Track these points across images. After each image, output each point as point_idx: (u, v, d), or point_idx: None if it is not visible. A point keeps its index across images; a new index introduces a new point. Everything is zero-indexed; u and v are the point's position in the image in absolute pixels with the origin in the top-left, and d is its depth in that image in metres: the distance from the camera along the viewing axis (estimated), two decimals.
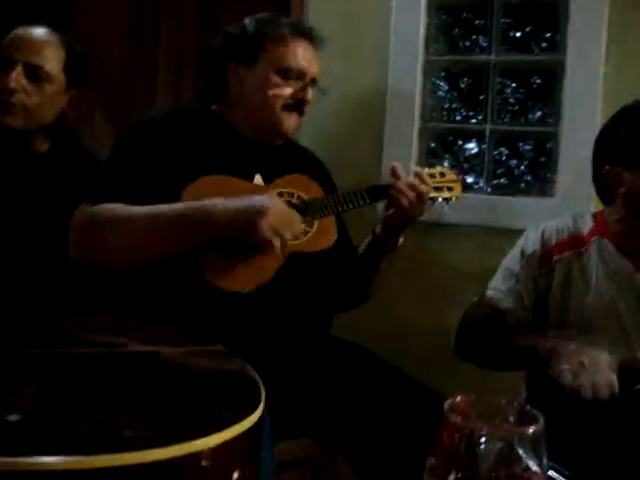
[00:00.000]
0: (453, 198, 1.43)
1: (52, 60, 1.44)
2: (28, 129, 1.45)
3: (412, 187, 1.31)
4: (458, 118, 2.03)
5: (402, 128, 1.92)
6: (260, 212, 1.17)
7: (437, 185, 1.40)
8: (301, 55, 1.36)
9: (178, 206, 1.21)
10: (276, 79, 1.34)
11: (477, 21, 1.96)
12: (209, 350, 0.87)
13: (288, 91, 1.35)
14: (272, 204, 1.20)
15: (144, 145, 1.29)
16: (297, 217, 1.25)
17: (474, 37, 1.97)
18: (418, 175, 1.34)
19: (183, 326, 1.20)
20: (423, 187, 1.32)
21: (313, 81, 1.39)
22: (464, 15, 1.98)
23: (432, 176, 1.40)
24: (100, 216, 1.20)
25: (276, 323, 1.27)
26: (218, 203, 1.19)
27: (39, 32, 1.45)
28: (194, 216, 1.19)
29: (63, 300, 1.35)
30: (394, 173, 1.34)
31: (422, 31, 1.94)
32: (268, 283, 1.26)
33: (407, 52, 1.93)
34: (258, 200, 1.20)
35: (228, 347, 1.18)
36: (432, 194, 1.38)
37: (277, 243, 1.18)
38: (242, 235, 1.19)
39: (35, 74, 1.42)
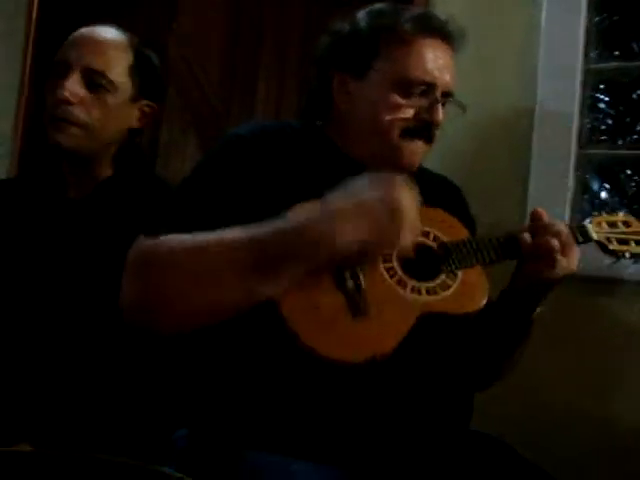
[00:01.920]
0: None
1: (116, 65, 1.19)
2: (87, 150, 1.20)
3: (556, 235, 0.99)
4: (624, 142, 1.60)
5: (554, 156, 1.50)
6: (399, 211, 0.87)
7: (621, 237, 1.08)
8: (429, 61, 1.03)
9: (273, 225, 0.88)
10: (395, 97, 1.02)
11: None
12: None
13: (410, 112, 1.03)
14: (403, 192, 0.89)
15: (228, 165, 1.00)
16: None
17: None
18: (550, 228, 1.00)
19: (268, 406, 0.90)
20: (555, 242, 0.98)
21: (446, 95, 1.05)
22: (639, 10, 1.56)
23: (613, 225, 1.09)
24: (163, 248, 0.89)
25: (401, 408, 0.95)
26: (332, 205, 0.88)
27: (102, 32, 1.22)
28: (302, 232, 0.87)
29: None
30: (535, 218, 1.02)
31: (582, 33, 1.52)
32: (392, 351, 0.91)
33: (561, 59, 1.52)
34: (384, 195, 0.88)
35: (333, 439, 0.90)
36: (615, 246, 1.07)
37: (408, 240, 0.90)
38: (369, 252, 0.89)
39: (95, 82, 1.18)
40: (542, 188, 1.50)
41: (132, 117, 1.24)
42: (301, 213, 0.88)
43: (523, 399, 1.44)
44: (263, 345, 0.92)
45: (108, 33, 1.22)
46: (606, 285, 1.44)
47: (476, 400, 1.13)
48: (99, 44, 1.20)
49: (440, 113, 1.04)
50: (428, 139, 1.05)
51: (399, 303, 0.93)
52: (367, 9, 1.09)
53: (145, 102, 1.25)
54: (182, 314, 0.89)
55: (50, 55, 1.71)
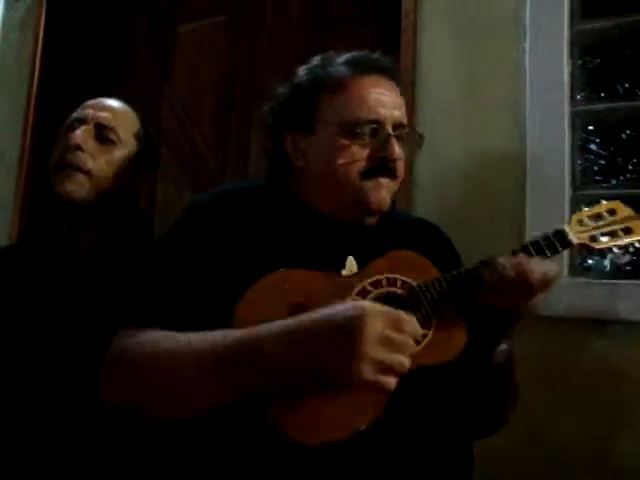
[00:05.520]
0: (635, 243, 0.99)
1: (125, 126, 1.29)
2: (89, 201, 1.25)
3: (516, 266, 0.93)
4: (617, 182, 1.59)
5: (549, 200, 1.49)
6: (357, 338, 0.76)
7: (607, 230, 0.99)
8: (370, 99, 1.01)
9: (230, 342, 0.85)
10: (345, 142, 1.01)
11: None
12: None
13: (364, 153, 1.01)
14: (371, 317, 0.78)
15: (193, 236, 0.99)
16: (412, 324, 0.82)
17: (637, 78, 1.55)
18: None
19: None
20: (527, 267, 0.92)
21: (398, 127, 1.03)
22: (621, 52, 1.57)
23: (597, 217, 1.00)
24: (132, 352, 0.90)
25: (396, 473, 0.90)
26: (290, 326, 0.82)
27: (115, 101, 1.35)
28: (248, 357, 0.82)
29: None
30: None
31: (566, 76, 1.53)
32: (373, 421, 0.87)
33: (548, 102, 1.52)
34: (348, 316, 0.79)
35: None
36: (601, 244, 0.98)
37: (390, 384, 0.78)
38: (328, 374, 0.79)
39: (105, 136, 1.26)
40: (539, 231, 1.48)
41: (132, 177, 1.30)
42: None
43: (527, 440, 1.38)
44: (241, 430, 0.89)
45: (119, 102, 1.34)
46: (594, 325, 1.38)
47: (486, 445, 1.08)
48: (112, 108, 1.31)
49: (395, 147, 1.01)
50: (391, 175, 1.03)
51: None
52: (305, 65, 1.09)
53: (142, 168, 1.32)
54: (158, 413, 0.90)
55: (51, 125, 1.77)
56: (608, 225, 1.00)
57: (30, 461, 1.12)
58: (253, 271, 0.92)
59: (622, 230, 0.99)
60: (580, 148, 1.57)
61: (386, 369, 0.77)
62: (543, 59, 1.54)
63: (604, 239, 0.98)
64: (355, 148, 1.00)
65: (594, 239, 0.98)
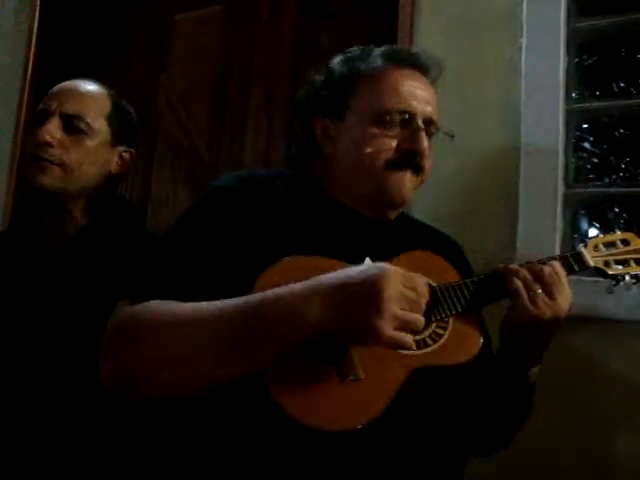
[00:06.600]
0: None
1: (94, 111, 1.24)
2: (66, 192, 1.21)
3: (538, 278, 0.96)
4: (610, 180, 1.60)
5: (542, 196, 1.49)
6: (379, 295, 0.79)
7: (620, 258, 1.04)
8: (403, 90, 1.01)
9: (244, 300, 0.84)
10: (374, 130, 1.01)
11: (638, 55, 1.54)
12: None
13: (392, 143, 1.01)
14: (391, 276, 0.81)
15: (211, 220, 0.97)
16: (424, 285, 0.86)
17: (632, 76, 1.55)
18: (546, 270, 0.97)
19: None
20: (548, 277, 0.95)
21: (428, 123, 1.03)
22: (617, 50, 1.57)
23: (611, 245, 1.04)
24: (141, 319, 0.87)
25: (393, 472, 0.90)
26: (310, 286, 0.83)
27: (80, 83, 1.28)
28: (273, 309, 0.82)
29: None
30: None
31: (562, 74, 1.54)
32: (382, 413, 0.87)
33: (543, 100, 1.52)
34: (369, 274, 0.81)
35: None
36: (614, 270, 1.02)
37: (408, 341, 0.82)
38: (348, 334, 0.83)
39: (73, 126, 1.21)
40: (531, 229, 1.49)
41: (110, 161, 1.26)
42: (276, 287, 0.84)
43: (517, 448, 1.39)
44: (250, 418, 0.88)
45: (86, 84, 1.27)
46: (597, 325, 1.39)
47: None
48: (77, 93, 1.25)
49: (424, 141, 1.01)
50: (416, 169, 1.03)
51: (388, 361, 0.88)
52: (343, 53, 1.10)
53: (123, 147, 1.28)
54: (162, 386, 0.86)
55: None
56: (621, 254, 1.04)
57: (19, 457, 1.11)
58: (268, 256, 0.91)
59: (635, 260, 1.04)
60: (574, 146, 1.58)
61: (403, 327, 0.80)
62: (539, 56, 1.54)
63: (617, 266, 1.03)
64: (384, 137, 1.00)
65: (607, 264, 1.03)
